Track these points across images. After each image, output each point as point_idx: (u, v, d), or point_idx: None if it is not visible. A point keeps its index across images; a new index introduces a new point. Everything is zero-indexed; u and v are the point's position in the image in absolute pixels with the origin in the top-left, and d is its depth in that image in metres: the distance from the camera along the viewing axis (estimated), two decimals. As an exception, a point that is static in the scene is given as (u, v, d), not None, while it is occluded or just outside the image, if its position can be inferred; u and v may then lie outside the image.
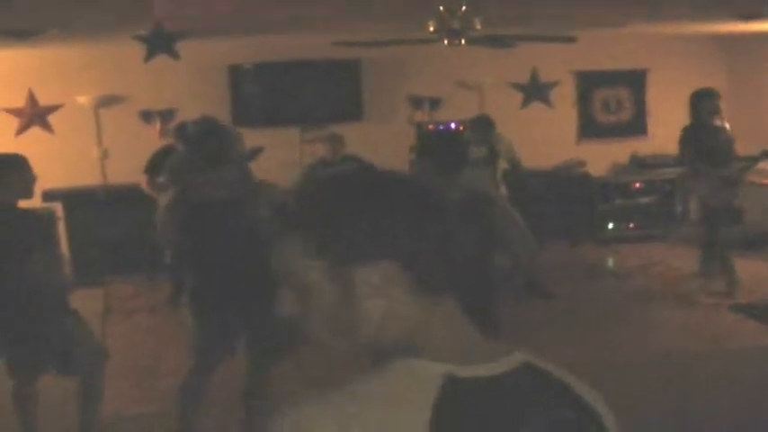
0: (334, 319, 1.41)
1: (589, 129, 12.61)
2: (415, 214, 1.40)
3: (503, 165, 9.18)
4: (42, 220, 5.57)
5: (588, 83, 12.46)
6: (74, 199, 10.30)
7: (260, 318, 4.78)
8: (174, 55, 7.16)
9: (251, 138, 10.15)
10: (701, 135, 8.52)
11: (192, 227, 4.98)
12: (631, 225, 11.81)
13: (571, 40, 8.31)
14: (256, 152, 8.54)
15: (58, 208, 10.11)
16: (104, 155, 10.92)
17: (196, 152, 5.07)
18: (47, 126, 10.75)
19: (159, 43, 7.01)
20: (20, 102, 10.65)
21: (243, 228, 4.89)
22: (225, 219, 4.92)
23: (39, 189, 6.46)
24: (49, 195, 9.85)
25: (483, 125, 9.06)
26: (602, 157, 12.37)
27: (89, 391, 5.46)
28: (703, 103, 8.53)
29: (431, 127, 11.03)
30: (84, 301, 6.83)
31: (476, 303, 4.35)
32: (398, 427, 1.29)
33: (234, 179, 5.03)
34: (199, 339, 5.08)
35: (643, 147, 12.59)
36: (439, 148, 4.39)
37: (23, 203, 5.30)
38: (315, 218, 1.40)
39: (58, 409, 5.88)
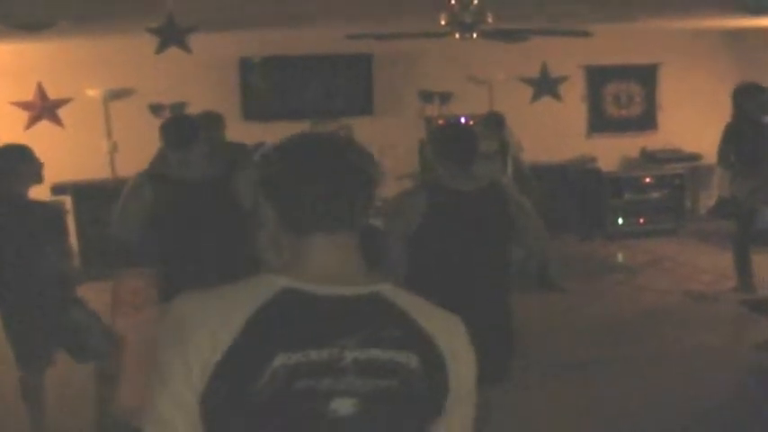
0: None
1: (599, 123, 12.59)
2: (291, 174, 1.82)
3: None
4: (53, 212, 5.57)
5: (599, 77, 12.45)
6: (83, 192, 10.29)
7: None
8: (186, 48, 7.14)
9: (260, 131, 10.19)
10: (745, 133, 8.24)
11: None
12: (641, 220, 11.76)
13: (585, 34, 8.28)
14: (259, 146, 8.54)
15: (67, 201, 10.10)
16: (114, 148, 10.91)
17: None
18: (56, 119, 10.75)
19: (171, 36, 6.99)
20: (29, 95, 10.65)
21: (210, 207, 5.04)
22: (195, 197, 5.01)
23: (48, 182, 6.46)
24: (58, 188, 9.86)
25: (494, 122, 9.01)
26: (612, 152, 12.37)
27: (103, 377, 5.55)
28: (750, 98, 8.28)
29: (441, 121, 11.00)
30: (93, 294, 6.84)
31: (492, 293, 4.38)
32: (232, 318, 1.70)
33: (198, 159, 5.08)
34: None
35: (653, 141, 12.57)
36: (451, 141, 4.39)
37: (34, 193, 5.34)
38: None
39: (70, 402, 5.93)
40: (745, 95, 8.32)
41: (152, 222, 5.04)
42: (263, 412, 1.68)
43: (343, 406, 1.68)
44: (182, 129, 5.11)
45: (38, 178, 5.32)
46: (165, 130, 5.09)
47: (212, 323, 1.70)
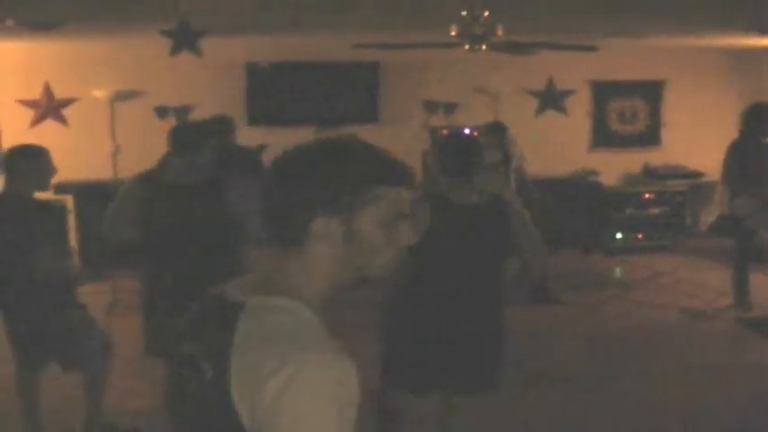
0: None
1: (602, 138, 12.60)
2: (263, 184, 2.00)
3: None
4: (54, 213, 5.58)
5: (604, 92, 12.46)
6: (85, 192, 10.28)
7: None
8: (197, 51, 7.14)
9: (265, 136, 10.22)
10: (752, 152, 8.22)
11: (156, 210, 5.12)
12: (640, 236, 11.78)
13: (591, 49, 8.29)
14: (261, 149, 8.70)
15: (69, 201, 10.11)
16: (117, 150, 10.93)
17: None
18: (61, 119, 10.77)
19: (184, 39, 6.98)
20: (36, 94, 10.68)
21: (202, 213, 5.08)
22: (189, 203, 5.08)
23: (52, 181, 6.45)
24: (61, 188, 9.84)
25: (497, 131, 9.01)
26: (614, 167, 12.38)
27: (93, 386, 5.54)
28: (762, 118, 8.26)
29: (445, 132, 11.00)
30: (91, 295, 6.84)
31: (486, 305, 4.36)
32: None
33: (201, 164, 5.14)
34: None
35: (656, 157, 12.58)
36: (455, 152, 4.33)
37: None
38: None
39: (61, 405, 5.94)
40: (758, 115, 8.30)
41: (139, 224, 5.11)
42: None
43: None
44: (189, 135, 5.18)
45: (43, 185, 5.29)
46: (173, 135, 5.16)
47: None
